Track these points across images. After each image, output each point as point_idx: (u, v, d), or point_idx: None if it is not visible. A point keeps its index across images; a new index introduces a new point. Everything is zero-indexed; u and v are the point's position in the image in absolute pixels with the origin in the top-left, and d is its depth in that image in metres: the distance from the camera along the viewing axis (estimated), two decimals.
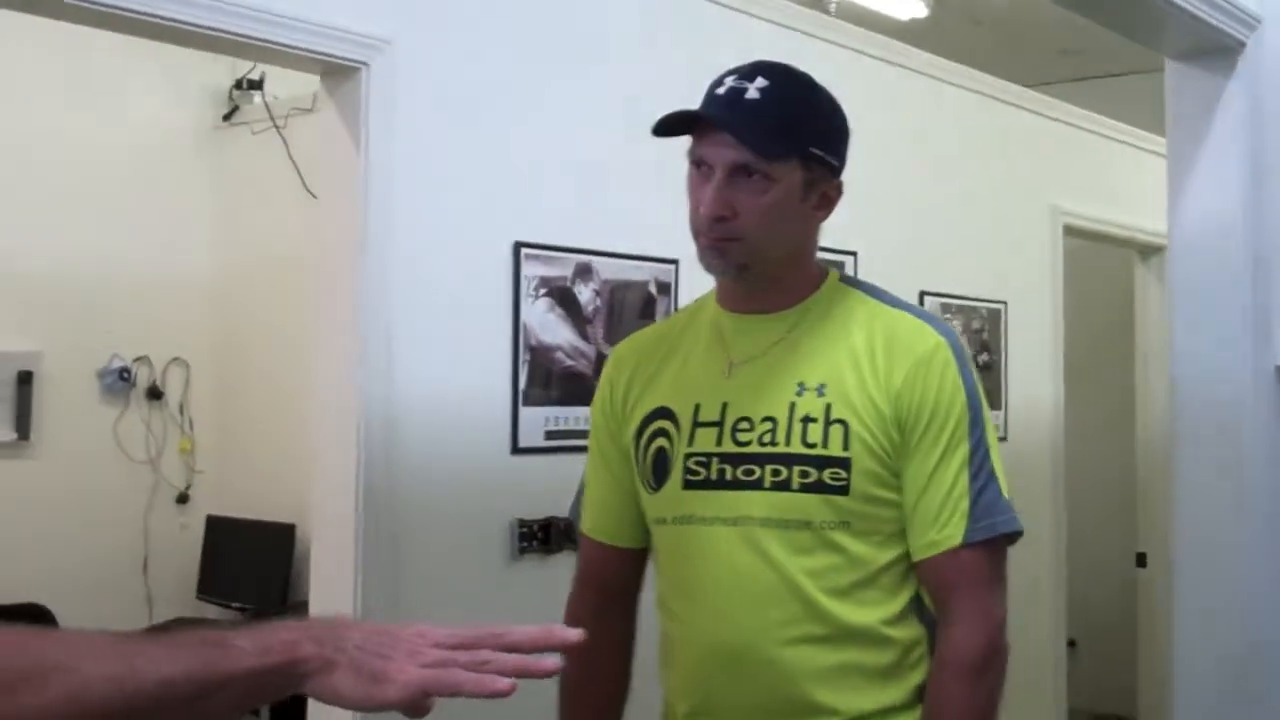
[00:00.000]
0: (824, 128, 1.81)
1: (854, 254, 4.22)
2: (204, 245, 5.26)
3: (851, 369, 1.79)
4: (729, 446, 1.81)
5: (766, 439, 1.78)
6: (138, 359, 5.08)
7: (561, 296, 3.43)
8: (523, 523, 3.34)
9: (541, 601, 3.43)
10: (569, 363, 3.45)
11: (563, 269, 3.44)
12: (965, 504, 1.76)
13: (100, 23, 2.93)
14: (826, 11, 4.70)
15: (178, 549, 5.15)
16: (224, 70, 5.17)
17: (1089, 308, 6.38)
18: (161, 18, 2.80)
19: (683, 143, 4.03)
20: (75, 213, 4.81)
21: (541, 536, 3.37)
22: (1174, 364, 3.29)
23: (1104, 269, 6.47)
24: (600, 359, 3.52)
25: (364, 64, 3.07)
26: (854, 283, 1.91)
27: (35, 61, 4.72)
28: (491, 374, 3.31)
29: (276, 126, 4.95)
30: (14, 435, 4.80)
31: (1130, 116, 5.85)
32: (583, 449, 3.46)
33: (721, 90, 1.79)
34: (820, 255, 4.54)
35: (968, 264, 5.00)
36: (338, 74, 3.12)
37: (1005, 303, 5.16)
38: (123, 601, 4.98)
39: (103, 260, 4.94)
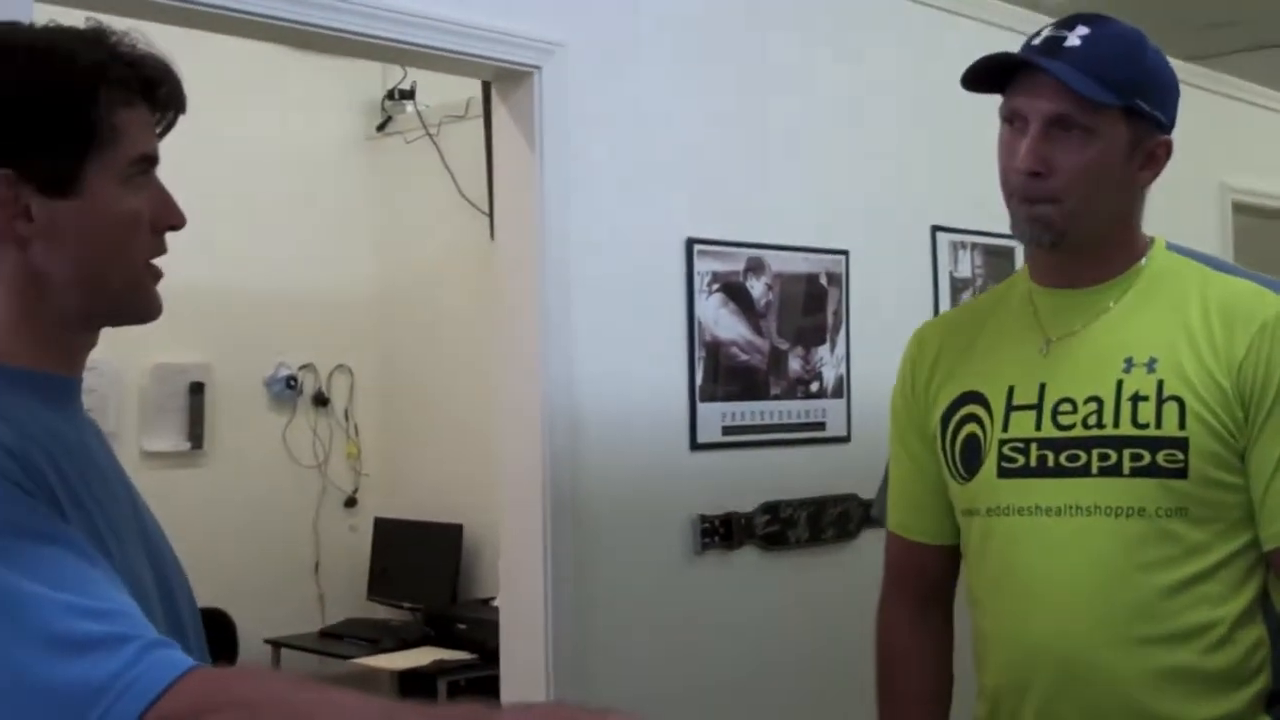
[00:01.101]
0: (1150, 79, 1.65)
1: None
2: (363, 253, 5.35)
3: (1185, 341, 1.63)
4: (1050, 430, 1.67)
5: (1092, 421, 1.64)
6: (303, 367, 5.19)
7: (734, 291, 3.43)
8: (704, 518, 3.34)
9: (724, 598, 3.46)
10: (743, 358, 3.44)
11: (734, 264, 3.43)
12: None
13: (271, 36, 2.99)
14: None
15: (347, 551, 5.25)
16: (375, 81, 5.26)
17: None
18: (332, 29, 2.86)
19: (855, 128, 3.99)
20: (238, 226, 4.91)
21: (723, 532, 3.37)
22: None
23: (1273, 245, 6.27)
24: (774, 353, 3.51)
25: (536, 68, 3.10)
26: (1183, 250, 1.75)
27: (193, 76, 4.82)
28: (668, 371, 3.32)
29: (430, 135, 5.03)
30: (188, 444, 4.93)
31: None
32: (761, 444, 3.49)
33: (1037, 40, 1.64)
34: (975, 240, 4.40)
35: None
36: (509, 79, 3.15)
37: None
38: (296, 603, 5.09)
39: (266, 271, 5.05)
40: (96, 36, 1.22)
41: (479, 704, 1.02)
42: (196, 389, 4.93)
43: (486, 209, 3.98)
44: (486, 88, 3.69)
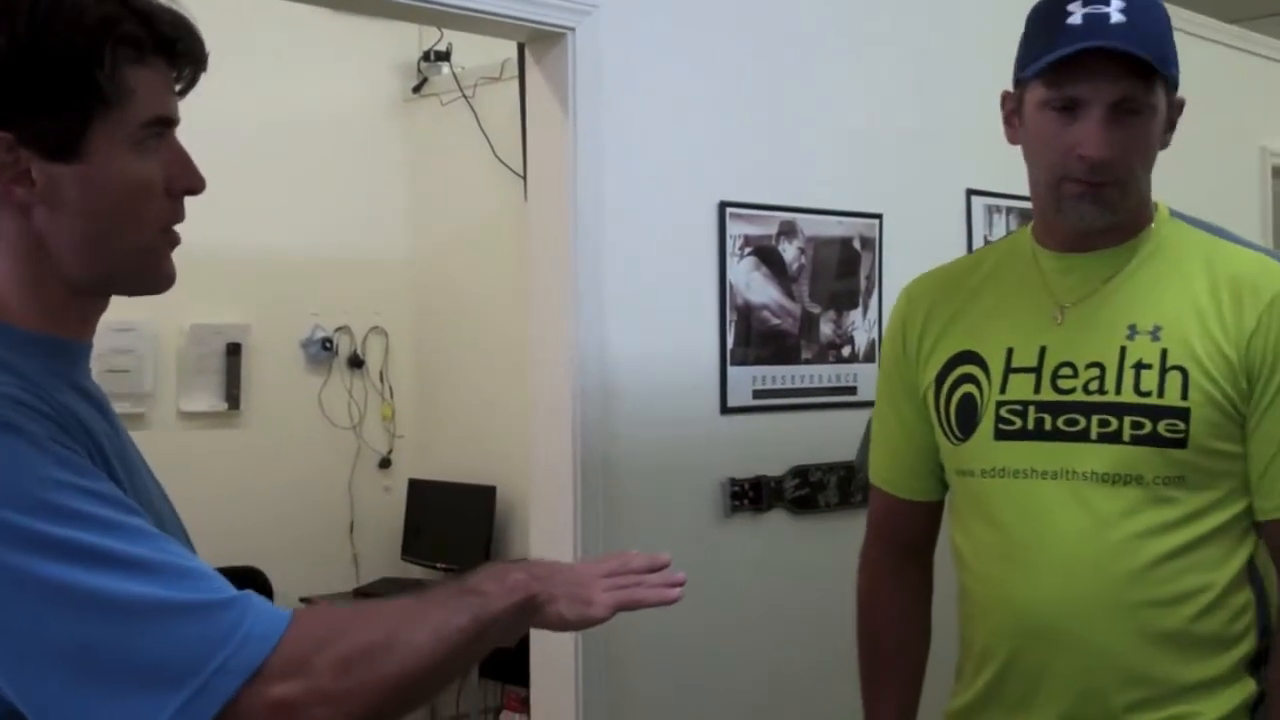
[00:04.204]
0: (1174, 43, 1.65)
1: None
2: (399, 215, 5.37)
3: (1192, 311, 1.64)
4: (1048, 394, 1.67)
5: (1093, 386, 1.65)
6: (339, 329, 5.22)
7: (766, 255, 3.42)
8: (734, 481, 3.35)
9: (754, 559, 3.47)
10: (775, 321, 3.44)
11: (767, 227, 3.43)
12: None
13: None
14: None
15: (381, 512, 5.29)
16: (411, 43, 5.26)
17: None
18: None
19: (890, 91, 3.94)
20: (274, 188, 4.94)
21: (752, 495, 3.38)
22: None
23: None
24: (806, 317, 3.50)
25: (570, 29, 3.09)
26: (1188, 218, 1.76)
27: (229, 40, 4.84)
28: (699, 334, 3.32)
29: (466, 97, 5.03)
30: (224, 405, 4.97)
31: None
32: (790, 408, 3.49)
33: (1075, 20, 1.59)
34: (1009, 204, 4.35)
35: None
36: (543, 40, 3.15)
37: None
38: (331, 563, 5.14)
39: (302, 233, 5.07)
40: None
41: (458, 582, 1.21)
42: (233, 350, 4.97)
43: (522, 171, 3.98)
44: (522, 49, 3.68)
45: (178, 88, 1.20)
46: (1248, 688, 1.67)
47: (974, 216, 3.93)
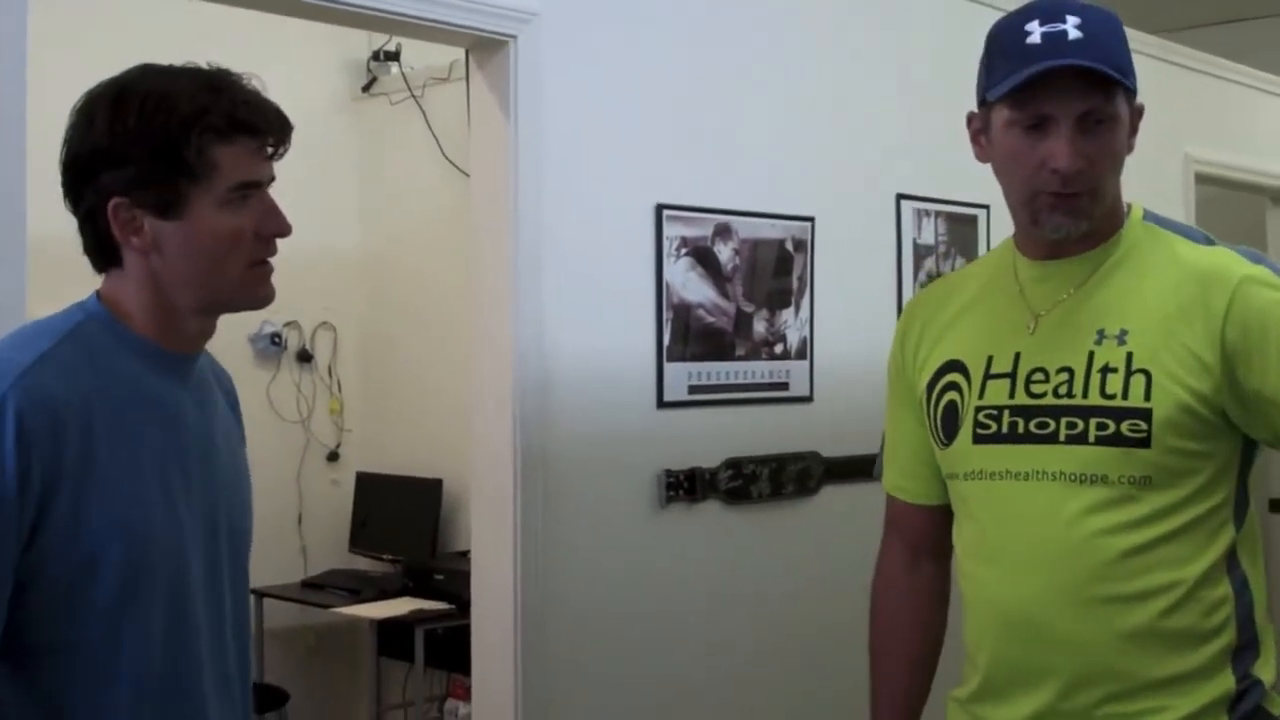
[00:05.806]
0: (1129, 52, 1.70)
1: (986, 207, 4.25)
2: (348, 213, 5.45)
3: (1159, 314, 1.68)
4: (1021, 399, 1.73)
5: (1062, 390, 1.70)
6: (288, 324, 5.29)
7: (702, 256, 3.54)
8: (669, 473, 3.47)
9: (688, 548, 3.59)
10: (710, 320, 3.57)
11: (702, 229, 3.55)
12: None
13: (254, 3, 3.08)
14: None
15: (330, 504, 5.38)
16: (361, 43, 5.34)
17: None
18: None
19: (824, 97, 4.05)
20: None
21: (687, 486, 3.50)
22: None
23: (1234, 216, 6.40)
24: (740, 315, 3.63)
25: (512, 36, 3.20)
26: (1160, 220, 1.80)
27: (181, 34, 4.89)
28: (637, 332, 3.43)
29: (414, 97, 5.12)
30: None
31: (1254, 60, 5.80)
32: (724, 403, 3.62)
33: (1034, 39, 1.65)
34: (938, 209, 4.48)
35: None
36: (486, 47, 3.25)
37: None
38: (280, 555, 5.21)
39: None
40: (206, 82, 1.48)
41: None
42: None
43: (469, 171, 4.08)
44: (469, 52, 3.78)
45: (270, 151, 1.53)
46: (1225, 683, 1.69)
47: (903, 220, 4.07)
